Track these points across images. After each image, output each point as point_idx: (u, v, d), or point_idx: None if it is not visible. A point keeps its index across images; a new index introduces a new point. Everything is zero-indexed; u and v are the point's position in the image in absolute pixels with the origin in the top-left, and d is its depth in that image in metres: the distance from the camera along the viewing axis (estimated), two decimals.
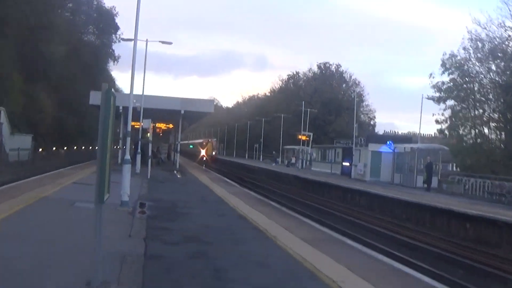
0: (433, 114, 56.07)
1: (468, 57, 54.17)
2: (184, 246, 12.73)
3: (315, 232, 16.79)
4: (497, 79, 52.79)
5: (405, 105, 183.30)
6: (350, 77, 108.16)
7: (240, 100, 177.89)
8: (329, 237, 15.91)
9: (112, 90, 7.42)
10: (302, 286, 9.59)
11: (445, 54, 55.27)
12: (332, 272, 10.46)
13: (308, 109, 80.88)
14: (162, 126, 56.51)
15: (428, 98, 54.98)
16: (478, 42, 52.60)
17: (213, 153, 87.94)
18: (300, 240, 14.44)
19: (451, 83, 55.25)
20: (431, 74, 56.73)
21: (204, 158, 74.28)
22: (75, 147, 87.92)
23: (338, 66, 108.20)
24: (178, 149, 52.89)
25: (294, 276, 10.30)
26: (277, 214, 20.56)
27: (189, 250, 12.11)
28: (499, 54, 51.23)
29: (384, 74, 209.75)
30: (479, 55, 53.30)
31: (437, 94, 56.02)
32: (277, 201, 29.73)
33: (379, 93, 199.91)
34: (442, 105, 55.88)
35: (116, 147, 55.86)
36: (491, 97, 53.83)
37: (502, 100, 50.52)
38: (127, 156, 19.78)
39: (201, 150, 79.67)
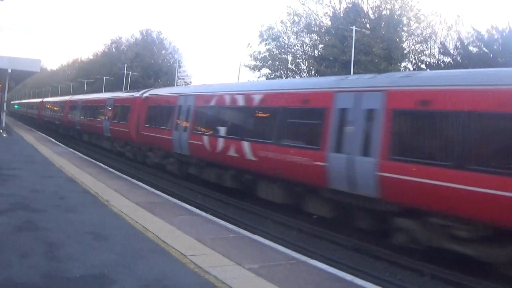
0: (248, 81, 57.16)
1: (285, 30, 56.52)
2: (10, 215, 10.85)
3: (149, 195, 15.47)
4: (309, 52, 55.57)
5: (225, 71, 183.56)
6: (170, 44, 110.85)
7: (64, 63, 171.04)
8: (165, 201, 14.73)
9: None
10: (149, 264, 8.20)
11: (263, 25, 57.16)
12: (180, 243, 9.44)
13: (130, 72, 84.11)
14: None
15: (245, 66, 58.13)
16: (295, 17, 55.44)
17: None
18: (136, 206, 13.13)
19: (267, 53, 57.21)
20: (248, 44, 59.42)
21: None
22: None
23: (159, 33, 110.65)
24: (4, 108, 48.68)
25: (138, 250, 8.92)
26: (106, 176, 18.93)
27: (17, 221, 10.33)
28: (315, 29, 54.12)
29: (207, 42, 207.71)
30: (295, 29, 56.11)
31: (253, 63, 58.12)
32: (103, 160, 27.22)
33: (200, 60, 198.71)
34: (257, 73, 58.09)
35: None
36: (303, 67, 56.45)
37: (314, 71, 52.55)
38: None
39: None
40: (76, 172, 19.07)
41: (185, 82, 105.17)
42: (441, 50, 41.28)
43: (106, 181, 17.39)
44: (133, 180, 19.05)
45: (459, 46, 38.61)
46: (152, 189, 17.09)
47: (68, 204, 12.74)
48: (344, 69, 47.03)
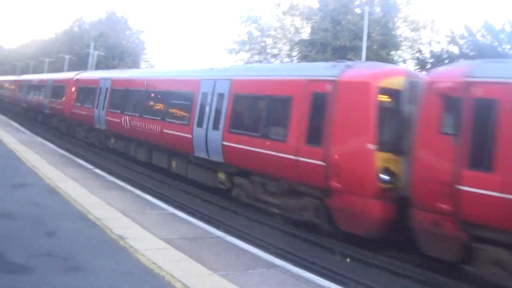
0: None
1: (266, 11, 51.43)
2: None
3: (174, 222, 10.26)
4: (290, 36, 51.15)
5: (205, 55, 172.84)
6: (134, 26, 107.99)
7: (24, 42, 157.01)
8: (204, 233, 9.64)
9: None
10: None
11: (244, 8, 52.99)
12: None
13: (96, 52, 79.42)
14: None
15: (225, 49, 53.70)
16: None
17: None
18: (170, 248, 8.04)
19: (247, 36, 52.35)
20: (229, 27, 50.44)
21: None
22: None
23: (124, 13, 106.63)
24: None
25: None
26: (98, 184, 13.57)
27: None
28: (303, 10, 49.69)
29: (184, 25, 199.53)
30: (278, 11, 51.07)
31: (232, 46, 53.54)
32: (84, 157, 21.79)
33: (175, 44, 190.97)
34: (235, 57, 53.43)
35: None
36: (284, 52, 51.79)
37: (299, 57, 47.34)
38: None
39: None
40: (55, 176, 13.65)
41: (149, 64, 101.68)
42: (446, 38, 36.86)
43: (101, 194, 12.15)
44: (138, 192, 13.62)
45: (466, 36, 34.39)
46: (172, 209, 11.87)
47: (64, 249, 7.42)
48: (336, 55, 42.57)
